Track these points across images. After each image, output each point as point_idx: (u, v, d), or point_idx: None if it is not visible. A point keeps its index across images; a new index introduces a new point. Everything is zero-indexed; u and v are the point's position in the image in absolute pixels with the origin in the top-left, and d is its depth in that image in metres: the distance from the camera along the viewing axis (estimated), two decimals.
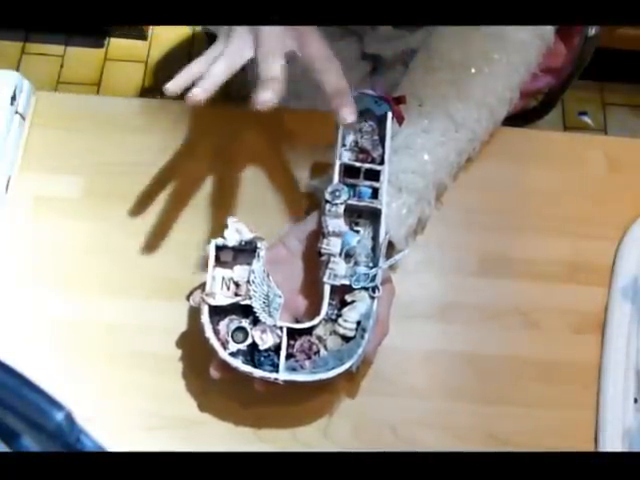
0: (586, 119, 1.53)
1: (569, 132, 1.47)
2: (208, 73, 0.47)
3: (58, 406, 0.27)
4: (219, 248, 0.50)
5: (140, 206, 0.61)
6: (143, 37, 1.58)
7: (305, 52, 0.48)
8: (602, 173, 0.64)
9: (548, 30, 0.61)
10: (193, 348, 0.56)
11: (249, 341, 0.49)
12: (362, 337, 0.49)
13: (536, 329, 0.58)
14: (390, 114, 0.54)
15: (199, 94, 0.46)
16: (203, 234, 0.59)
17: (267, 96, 0.46)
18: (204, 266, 0.51)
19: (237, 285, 0.50)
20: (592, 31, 0.77)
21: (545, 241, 0.61)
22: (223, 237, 0.50)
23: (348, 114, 0.48)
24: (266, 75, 0.47)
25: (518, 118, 0.62)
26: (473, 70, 0.57)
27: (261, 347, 0.48)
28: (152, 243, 0.59)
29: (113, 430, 0.53)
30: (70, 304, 0.57)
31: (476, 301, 0.59)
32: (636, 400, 0.55)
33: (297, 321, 0.53)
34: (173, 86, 0.47)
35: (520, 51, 0.59)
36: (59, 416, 0.27)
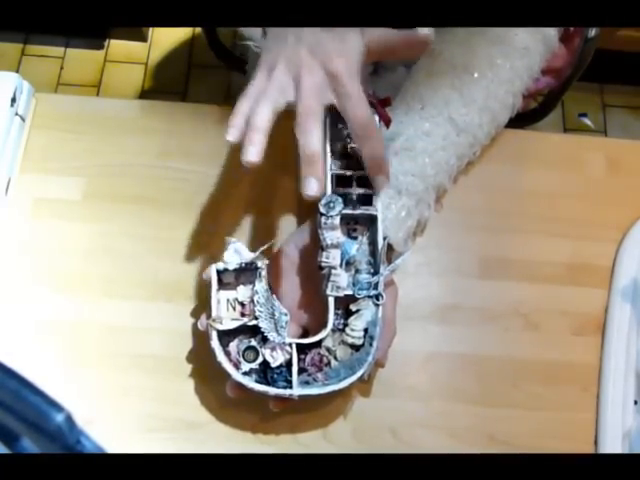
0: (586, 120, 1.53)
1: (569, 134, 1.47)
2: (253, 125, 0.46)
3: (58, 407, 0.27)
4: (220, 272, 0.51)
5: (140, 208, 0.61)
6: (143, 39, 1.58)
7: (348, 113, 0.48)
8: (602, 175, 0.64)
9: (552, 36, 0.60)
10: (193, 350, 0.56)
11: (260, 359, 0.49)
12: (371, 345, 0.49)
13: (536, 331, 0.58)
14: (377, 118, 0.53)
15: (253, 155, 0.45)
16: (203, 235, 0.59)
17: (312, 185, 0.45)
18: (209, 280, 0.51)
19: (242, 305, 0.51)
20: (592, 32, 0.76)
21: (545, 243, 0.61)
22: (223, 261, 0.51)
23: (382, 182, 0.51)
24: (306, 155, 0.46)
25: (518, 119, 0.62)
26: (476, 75, 0.57)
27: (272, 365, 0.49)
28: (152, 245, 0.59)
29: (112, 432, 0.53)
30: (70, 306, 0.57)
31: (476, 303, 0.59)
32: (636, 402, 0.55)
33: (305, 330, 0.53)
34: (232, 136, 0.46)
35: (524, 57, 0.59)
36: (59, 417, 0.27)
